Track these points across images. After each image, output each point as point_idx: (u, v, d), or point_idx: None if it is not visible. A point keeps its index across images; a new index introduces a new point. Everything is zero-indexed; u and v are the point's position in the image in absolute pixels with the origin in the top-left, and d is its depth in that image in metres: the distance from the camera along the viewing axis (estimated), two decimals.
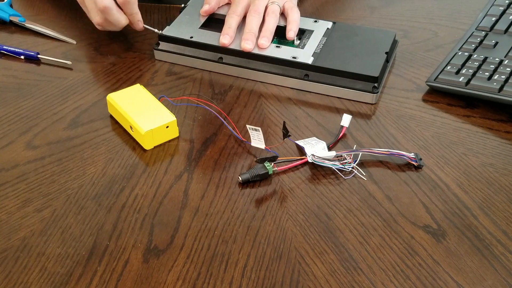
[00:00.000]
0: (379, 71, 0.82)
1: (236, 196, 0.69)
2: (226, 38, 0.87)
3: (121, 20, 0.87)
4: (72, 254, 0.63)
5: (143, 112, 0.76)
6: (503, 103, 0.79)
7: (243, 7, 0.90)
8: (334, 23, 0.92)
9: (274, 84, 0.86)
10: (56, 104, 0.82)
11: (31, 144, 0.76)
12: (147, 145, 0.75)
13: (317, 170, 0.72)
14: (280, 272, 0.61)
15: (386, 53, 0.86)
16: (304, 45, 0.87)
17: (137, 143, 0.76)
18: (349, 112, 0.80)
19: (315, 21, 0.92)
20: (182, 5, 0.96)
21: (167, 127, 0.75)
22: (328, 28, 0.91)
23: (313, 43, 0.88)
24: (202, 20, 0.92)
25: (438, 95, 0.83)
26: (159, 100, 0.79)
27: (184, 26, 0.91)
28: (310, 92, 0.85)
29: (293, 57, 0.85)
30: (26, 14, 0.98)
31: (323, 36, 0.89)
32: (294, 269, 0.61)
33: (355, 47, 0.87)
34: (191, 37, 0.89)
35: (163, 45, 0.90)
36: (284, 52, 0.86)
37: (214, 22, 0.91)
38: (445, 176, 0.71)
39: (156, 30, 0.90)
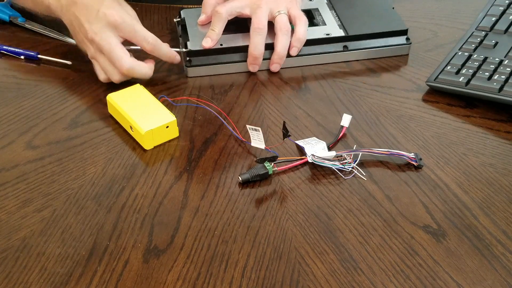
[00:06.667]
0: (404, 24, 0.90)
1: (236, 196, 0.69)
2: (207, 41, 0.85)
3: (148, 71, 0.83)
4: (72, 254, 0.63)
5: (143, 112, 0.76)
6: (503, 103, 0.79)
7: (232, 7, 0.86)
8: None
9: (312, 65, 0.88)
10: (56, 104, 0.82)
11: (31, 144, 0.76)
12: (147, 145, 0.75)
13: (317, 170, 0.72)
14: (280, 272, 0.61)
15: (393, 8, 0.93)
16: (323, 22, 0.91)
17: (137, 143, 0.76)
18: (349, 111, 0.80)
19: (310, 0, 0.95)
20: (175, 20, 0.94)
21: (167, 127, 0.75)
22: (326, 3, 0.95)
23: (329, 17, 0.91)
24: None
25: (438, 95, 0.83)
26: (159, 100, 0.79)
27: (202, 37, 0.87)
28: (348, 61, 0.89)
29: (327, 34, 0.88)
30: (26, 14, 0.98)
31: (330, 10, 0.93)
32: (294, 269, 0.61)
33: (365, 11, 0.93)
34: (221, 45, 0.87)
35: (195, 60, 0.87)
36: (314, 33, 0.89)
37: (229, 24, 0.87)
38: (445, 176, 0.71)
39: (181, 50, 0.87)
